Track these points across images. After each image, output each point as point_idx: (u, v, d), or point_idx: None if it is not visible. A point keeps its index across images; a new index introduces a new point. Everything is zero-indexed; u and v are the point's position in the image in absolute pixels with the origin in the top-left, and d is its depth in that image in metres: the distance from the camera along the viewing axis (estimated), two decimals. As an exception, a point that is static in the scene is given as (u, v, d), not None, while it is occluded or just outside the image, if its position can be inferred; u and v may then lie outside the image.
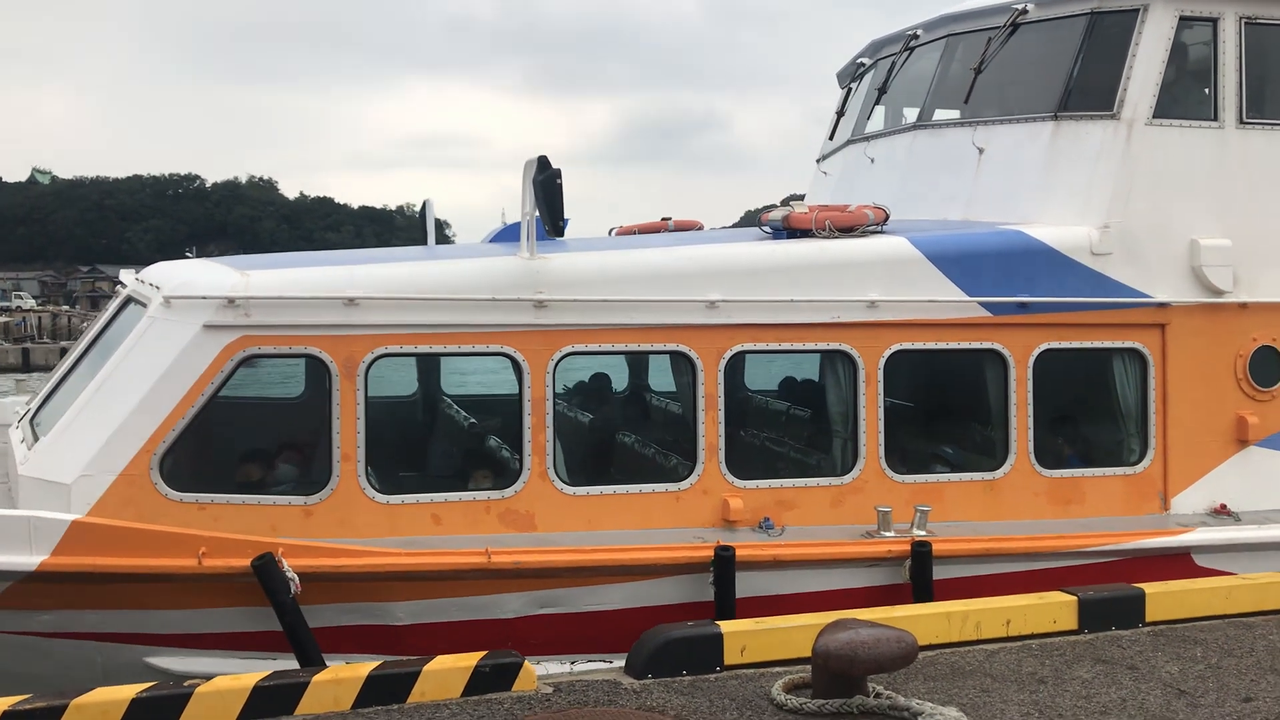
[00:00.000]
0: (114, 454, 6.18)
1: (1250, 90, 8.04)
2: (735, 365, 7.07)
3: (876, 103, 10.14)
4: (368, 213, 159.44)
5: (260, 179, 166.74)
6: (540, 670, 5.72)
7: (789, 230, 7.59)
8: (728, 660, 5.68)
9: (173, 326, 6.35)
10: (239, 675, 5.22)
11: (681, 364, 7.02)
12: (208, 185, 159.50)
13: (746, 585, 6.50)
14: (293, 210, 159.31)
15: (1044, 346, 7.55)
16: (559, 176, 6.48)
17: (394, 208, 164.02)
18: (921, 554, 6.68)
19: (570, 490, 6.71)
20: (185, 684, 5.08)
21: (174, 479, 6.24)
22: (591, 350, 6.84)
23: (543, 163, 6.55)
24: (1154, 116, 7.85)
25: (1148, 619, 6.46)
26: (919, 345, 7.32)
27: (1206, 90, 8.10)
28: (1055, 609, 6.30)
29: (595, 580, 6.42)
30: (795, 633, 5.73)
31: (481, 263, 6.79)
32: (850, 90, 11.05)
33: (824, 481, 7.15)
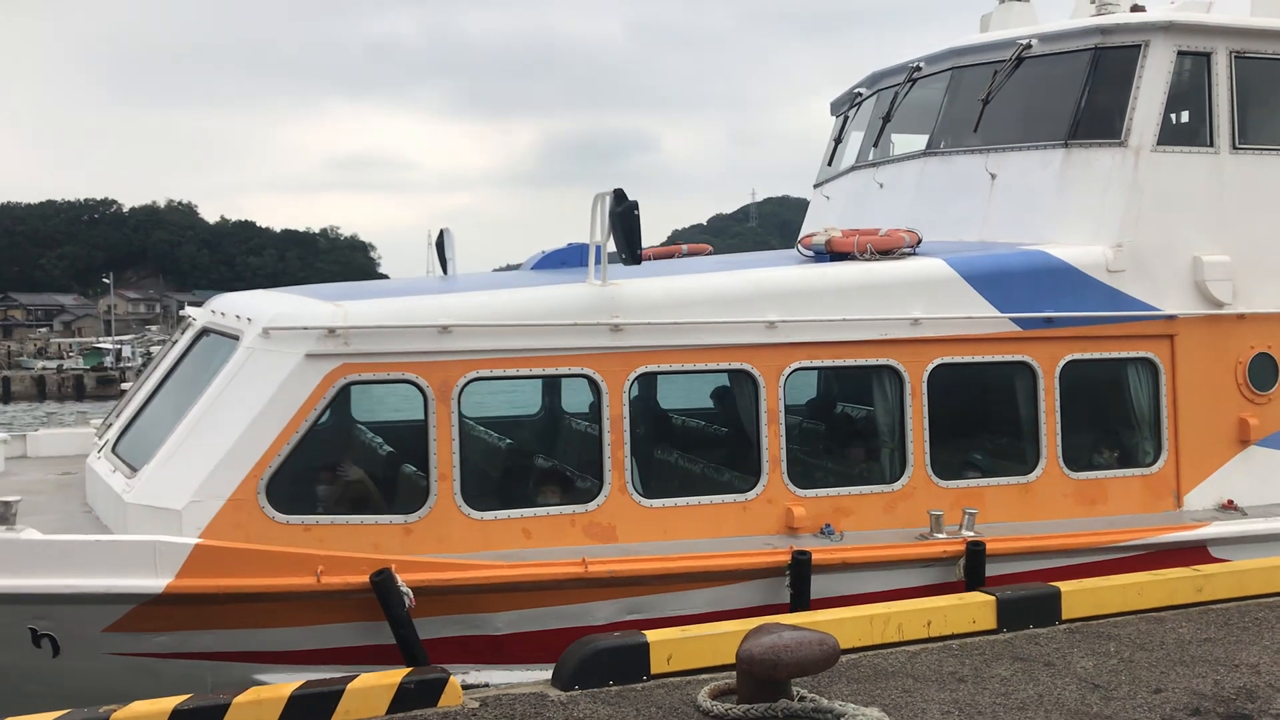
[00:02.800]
0: (222, 480, 6.43)
1: (1240, 118, 8.75)
2: (791, 382, 7.52)
3: (881, 131, 10.70)
4: (291, 236, 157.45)
5: (180, 203, 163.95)
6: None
7: (831, 253, 8.09)
8: (654, 669, 5.75)
9: (274, 356, 6.62)
10: (155, 700, 5.10)
11: (743, 381, 7.45)
12: (125, 210, 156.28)
13: (816, 587, 6.93)
14: (213, 234, 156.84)
15: (1068, 358, 8.13)
16: (636, 208, 6.89)
17: (318, 230, 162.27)
18: (976, 553, 7.18)
19: (647, 503, 7.10)
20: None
21: (280, 502, 6.50)
22: (663, 370, 7.24)
23: (619, 195, 6.95)
24: (1158, 144, 8.50)
25: (1064, 616, 6.63)
26: (958, 359, 7.84)
27: (1202, 119, 8.78)
28: (974, 609, 6.44)
29: (680, 587, 6.81)
30: (720, 639, 5.80)
31: (561, 290, 7.16)
32: (847, 119, 11.62)
33: (877, 489, 7.63)
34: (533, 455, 8.09)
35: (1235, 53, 8.76)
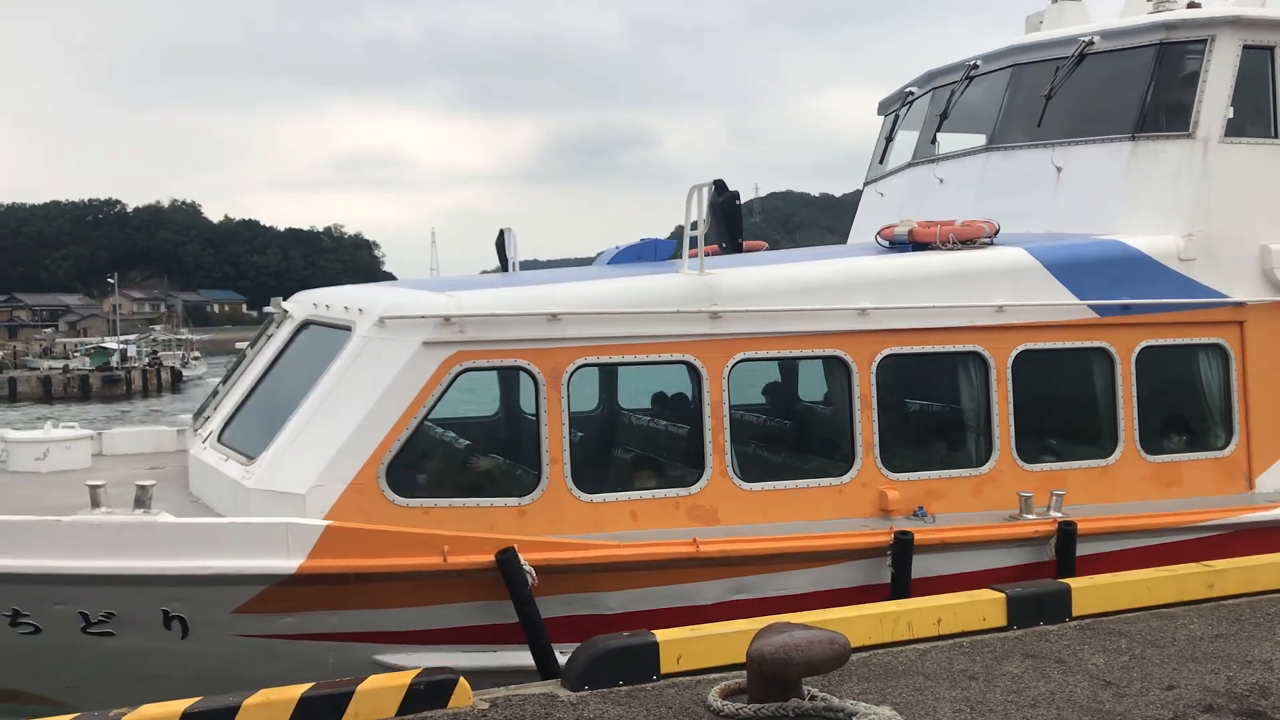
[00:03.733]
0: (344, 464, 6.64)
1: None
2: (884, 367, 7.71)
3: (938, 129, 10.88)
4: (295, 235, 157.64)
5: (184, 203, 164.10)
6: None
7: (913, 244, 8.29)
8: (664, 669, 5.71)
9: (391, 345, 6.82)
10: (164, 703, 5.08)
11: (836, 368, 7.65)
12: (129, 210, 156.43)
13: (914, 568, 7.14)
14: (217, 234, 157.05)
15: (1144, 344, 8.33)
16: (737, 198, 7.10)
17: (321, 229, 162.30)
18: (1067, 532, 7.39)
19: (747, 486, 7.31)
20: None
21: (399, 486, 6.70)
22: (760, 356, 7.44)
23: (720, 186, 7.16)
24: (1225, 135, 8.70)
25: (1074, 613, 6.62)
26: (1041, 345, 8.05)
27: (1264, 111, 8.98)
28: (985, 606, 6.44)
29: (786, 567, 7.01)
30: (730, 639, 5.78)
31: (661, 279, 7.36)
32: (898, 117, 11.81)
33: (965, 472, 7.83)
34: (639, 441, 8.30)
35: (1298, 46, 8.96)
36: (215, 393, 9.70)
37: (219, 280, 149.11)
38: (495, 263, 9.75)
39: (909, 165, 11.23)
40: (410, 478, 6.76)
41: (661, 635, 5.77)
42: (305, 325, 7.87)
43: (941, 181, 10.56)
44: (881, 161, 12.04)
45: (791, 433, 7.99)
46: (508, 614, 6.50)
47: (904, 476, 7.64)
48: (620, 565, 6.64)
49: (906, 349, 7.75)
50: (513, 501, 6.88)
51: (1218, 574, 7.09)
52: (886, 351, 7.67)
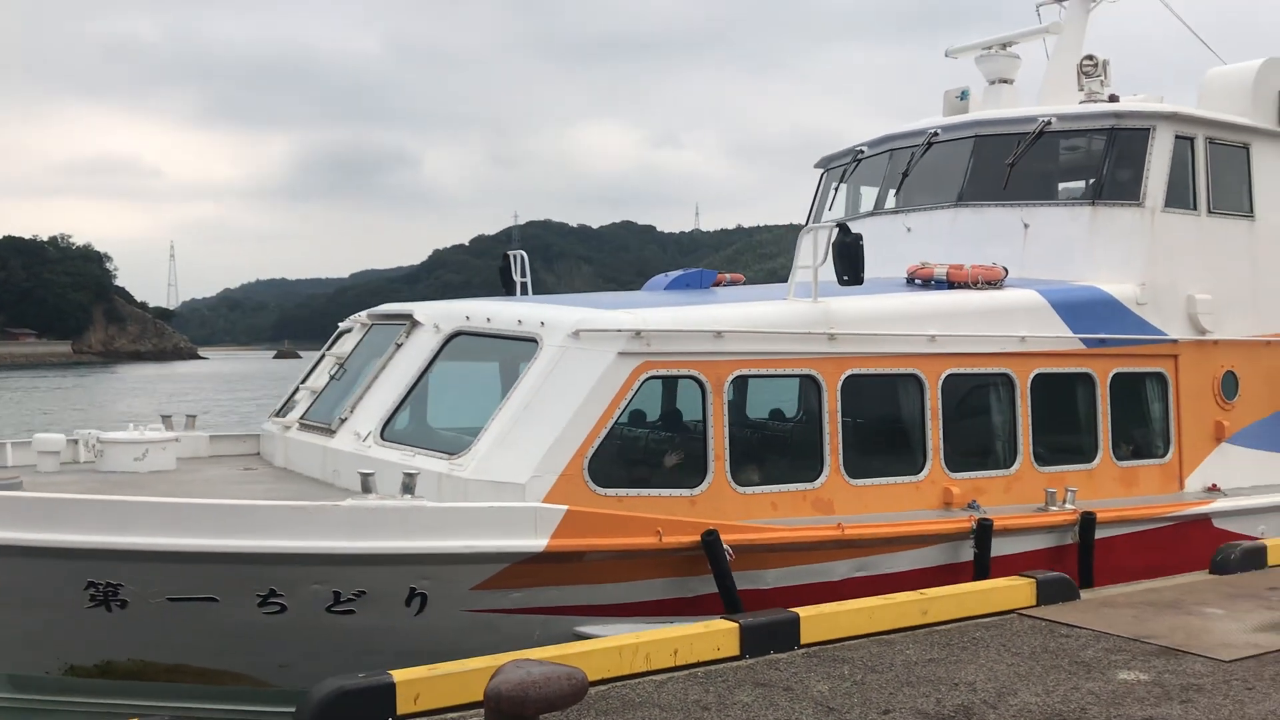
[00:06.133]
0: (556, 458, 7.56)
1: (1212, 189, 11.31)
2: (949, 385, 9.28)
3: (899, 186, 12.68)
4: (14, 244, 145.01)
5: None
6: None
7: (949, 283, 9.97)
8: (401, 710, 5.64)
9: (589, 354, 7.79)
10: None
11: (911, 384, 9.18)
12: None
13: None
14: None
15: (1115, 370, 10.34)
16: (860, 240, 8.54)
17: (46, 239, 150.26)
18: (1089, 521, 9.21)
19: (854, 482, 8.70)
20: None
21: (598, 477, 7.68)
22: (864, 373, 8.86)
23: (844, 229, 8.57)
24: (1166, 207, 10.92)
25: (803, 641, 6.86)
26: (1050, 370, 9.88)
27: (1187, 188, 11.27)
28: (719, 636, 6.61)
29: (894, 549, 8.44)
30: (469, 676, 5.79)
31: (792, 305, 8.66)
32: (846, 171, 13.58)
33: (1000, 473, 9.52)
34: (776, 443, 9.51)
35: (1209, 138, 11.33)
36: (295, 393, 10.25)
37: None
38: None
39: (871, 214, 12.98)
40: (607, 470, 7.74)
41: (399, 675, 5.67)
42: (456, 335, 8.65)
43: (910, 230, 12.35)
44: (830, 209, 13.77)
45: (881, 438, 9.41)
46: (695, 588, 7.61)
47: (960, 475, 9.24)
48: (793, 545, 7.89)
49: (961, 370, 9.38)
50: (685, 492, 7.98)
51: (931, 601, 7.48)
52: (948, 372, 9.27)
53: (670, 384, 8.17)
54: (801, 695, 5.99)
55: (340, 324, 11.04)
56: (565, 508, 7.18)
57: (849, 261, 8.59)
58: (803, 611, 6.95)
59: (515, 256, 12.05)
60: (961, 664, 6.57)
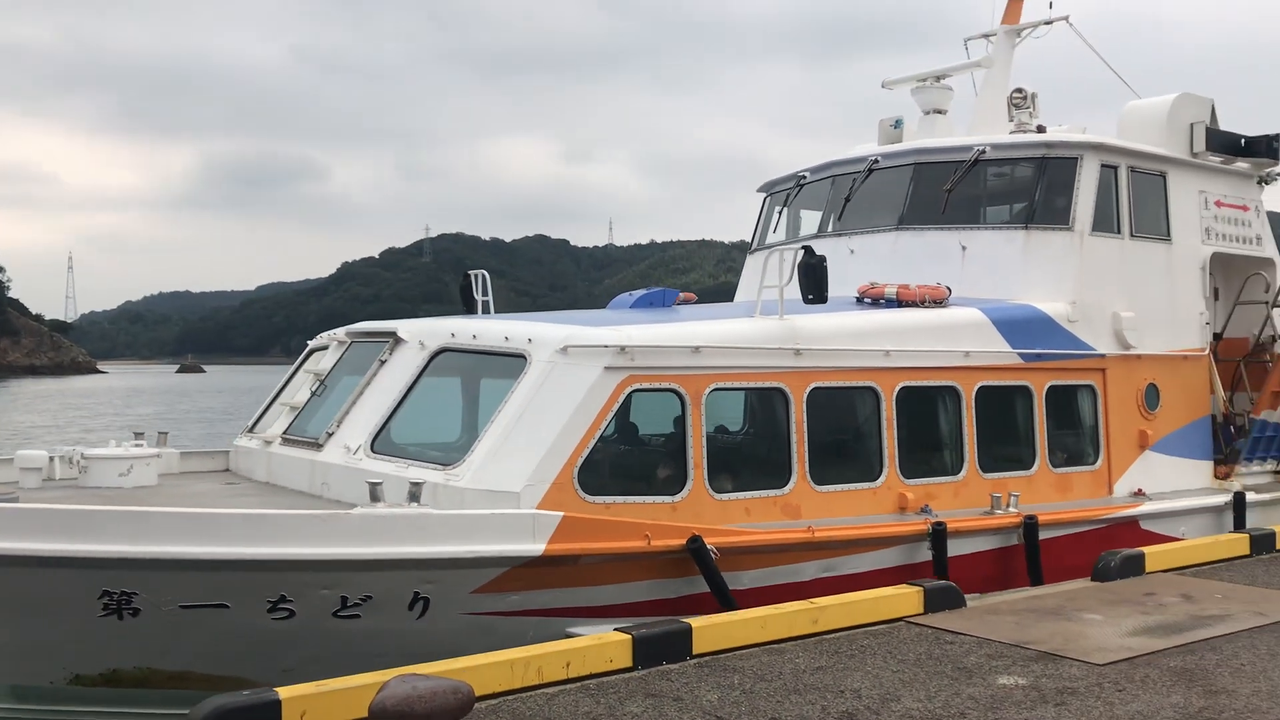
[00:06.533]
0: (548, 467, 7.97)
1: (1134, 214, 12.18)
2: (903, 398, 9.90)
3: (842, 211, 13.31)
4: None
5: None
6: None
7: (899, 302, 10.61)
8: None
9: (577, 369, 8.23)
10: None
11: (868, 396, 9.77)
12: None
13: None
14: None
15: (1050, 383, 11.09)
16: (824, 262, 9.13)
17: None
18: (1031, 525, 9.90)
19: (819, 488, 9.25)
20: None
21: (587, 485, 8.11)
22: (826, 386, 9.43)
23: (809, 251, 9.15)
24: (1093, 231, 11.73)
25: (695, 651, 6.88)
26: (992, 382, 10.58)
27: (1111, 213, 12.12)
28: (611, 648, 6.60)
29: (858, 550, 9.01)
30: (356, 693, 5.69)
31: (761, 323, 9.20)
32: (789, 196, 14.22)
33: (949, 479, 10.17)
34: (745, 452, 10.00)
35: (1130, 167, 12.21)
36: (266, 410, 10.51)
37: None
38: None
39: (816, 237, 13.61)
40: (595, 479, 8.17)
41: (284, 692, 5.57)
42: (441, 351, 9.02)
43: (853, 252, 13.01)
44: (774, 230, 14.38)
45: (842, 447, 9.98)
46: (678, 589, 8.09)
47: (914, 482, 9.87)
48: (769, 548, 8.41)
49: (913, 382, 10.01)
50: (667, 499, 8.45)
51: (822, 610, 7.58)
52: (901, 385, 9.89)
53: (652, 396, 8.62)
54: (691, 705, 6.04)
55: (311, 342, 11.31)
56: (561, 514, 7.60)
57: (814, 281, 9.17)
58: (695, 622, 7.02)
59: (476, 276, 12.41)
60: (849, 671, 6.67)
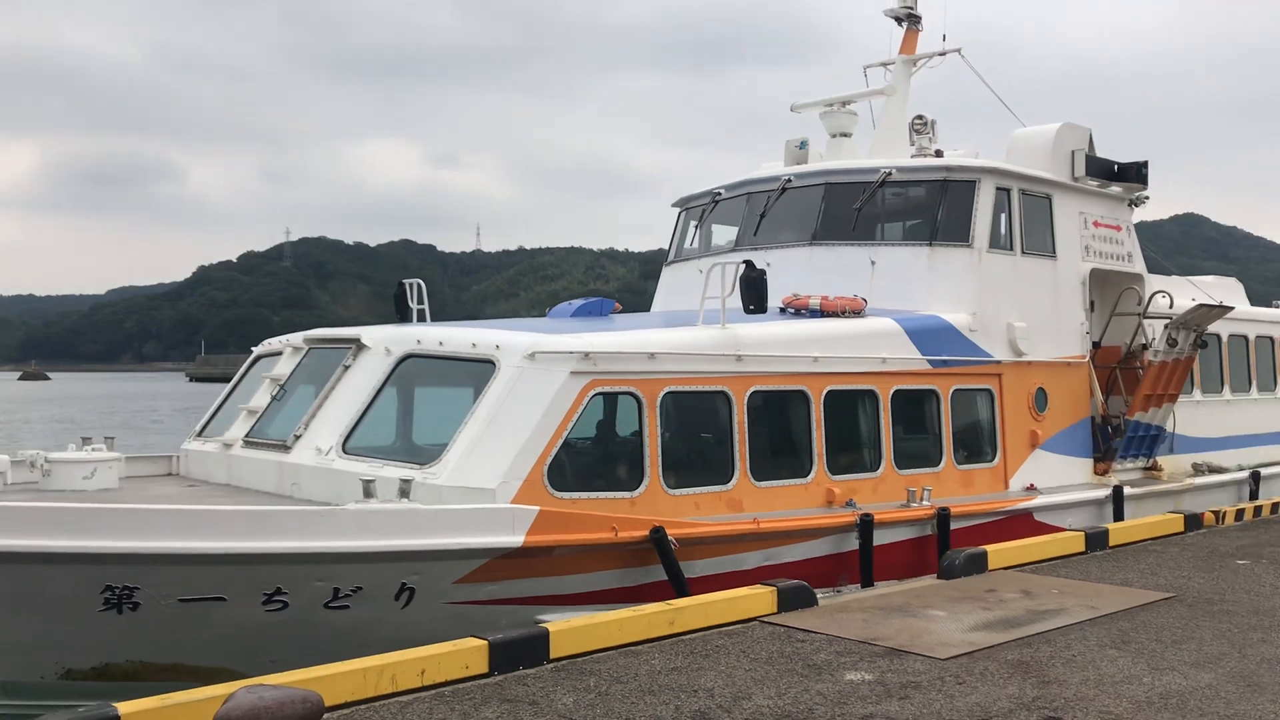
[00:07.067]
0: (521, 465, 8.53)
1: (1023, 233, 13.34)
2: (830, 400, 10.74)
3: (758, 226, 14.15)
4: None
5: None
6: None
7: (822, 312, 11.47)
8: None
9: (544, 374, 8.80)
10: None
11: (799, 399, 10.58)
12: None
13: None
14: None
15: (955, 387, 12.10)
16: (763, 275, 9.90)
17: None
18: (944, 516, 10.86)
19: (759, 484, 10.01)
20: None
21: (554, 482, 8.68)
22: (764, 389, 10.19)
23: (750, 265, 9.92)
24: (989, 248, 12.83)
25: (552, 655, 6.93)
26: (905, 386, 11.53)
27: (1004, 232, 13.26)
28: (467, 655, 6.58)
29: (796, 540, 9.80)
30: (199, 706, 5.57)
31: (707, 331, 9.91)
32: (705, 211, 15.03)
33: (868, 475, 11.06)
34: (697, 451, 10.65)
35: (1021, 190, 13.36)
36: (214, 415, 10.78)
37: None
38: None
39: (733, 250, 14.41)
40: (562, 476, 8.75)
41: (124, 708, 5.45)
42: (407, 358, 9.47)
43: (770, 265, 13.83)
44: (692, 244, 15.16)
45: (777, 445, 10.75)
46: (639, 578, 8.73)
47: (839, 478, 10.72)
48: (720, 539, 9.11)
49: (838, 386, 10.87)
50: (626, 494, 9.09)
51: (678, 611, 7.72)
52: (828, 388, 10.74)
53: (613, 399, 9.25)
54: (546, 709, 6.06)
55: (257, 349, 11.59)
56: (538, 508, 8.17)
57: (755, 293, 9.93)
58: (552, 626, 7.09)
59: (411, 285, 12.78)
60: (703, 671, 6.77)
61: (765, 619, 8.06)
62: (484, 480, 8.42)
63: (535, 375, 8.83)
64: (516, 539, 8.04)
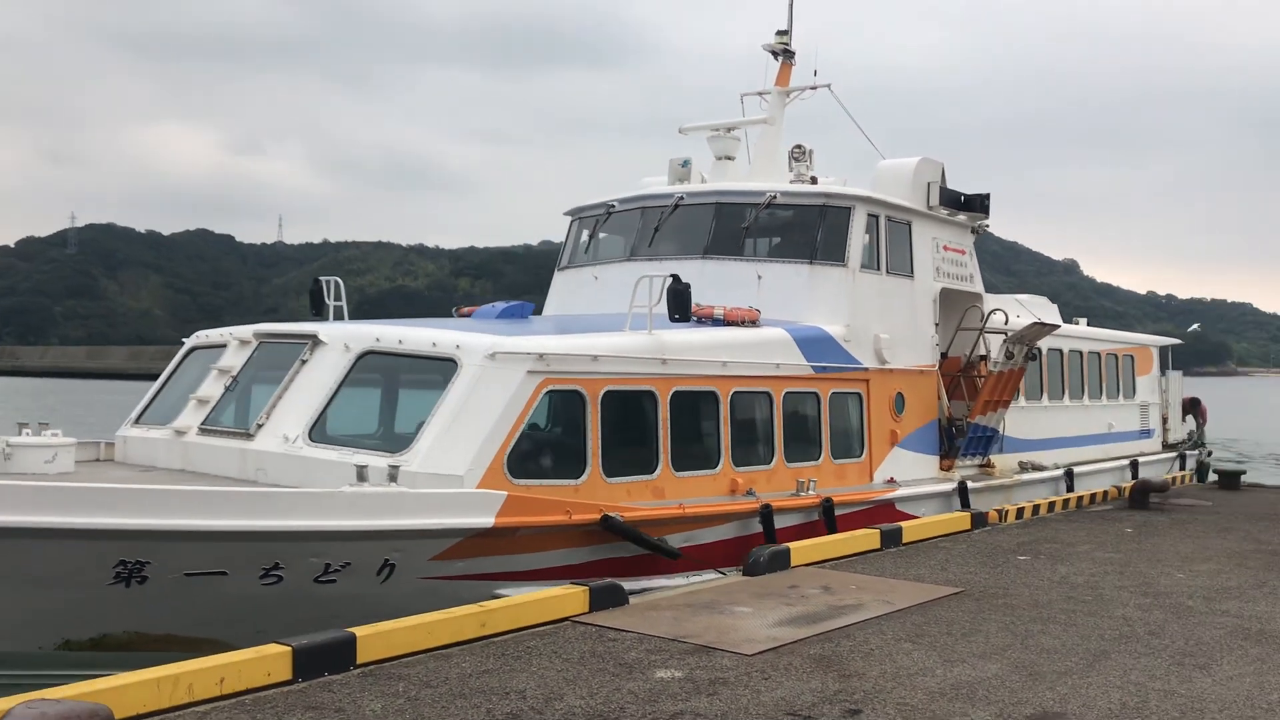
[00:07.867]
0: (485, 453, 9.41)
1: (887, 255, 14.99)
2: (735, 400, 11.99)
3: (653, 238, 15.31)
4: None
5: None
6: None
7: (726, 321, 12.72)
8: None
9: (504, 372, 9.69)
10: None
11: (711, 399, 11.78)
12: None
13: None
14: None
15: (833, 390, 13.58)
16: (688, 289, 11.07)
17: None
18: (829, 505, 12.29)
19: (678, 474, 11.16)
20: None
21: (513, 470, 9.59)
22: (684, 390, 11.34)
23: (676, 278, 11.07)
24: (861, 268, 14.39)
25: (359, 660, 6.81)
26: (794, 389, 12.91)
27: (873, 253, 14.86)
28: (269, 662, 6.44)
29: (710, 524, 10.99)
30: None
31: (639, 337, 10.98)
32: (598, 222, 16.12)
33: (763, 468, 12.36)
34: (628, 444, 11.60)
35: (887, 216, 15.01)
36: (150, 404, 11.20)
37: None
38: None
39: (629, 260, 15.50)
40: (518, 465, 9.67)
41: None
42: (366, 354, 10.18)
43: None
44: (586, 252, 16.21)
45: (693, 440, 11.88)
46: (585, 556, 9.75)
47: (741, 469, 11.98)
48: (654, 521, 10.21)
49: (741, 388, 12.15)
50: (571, 482, 10.08)
51: (489, 613, 7.70)
52: (733, 390, 12.00)
53: (560, 396, 10.21)
54: (354, 715, 5.95)
55: (189, 340, 11.99)
56: (505, 493, 9.08)
57: (680, 303, 11.09)
58: (359, 631, 6.98)
59: (328, 282, 13.34)
60: (515, 673, 6.76)
61: (577, 619, 8.14)
62: (453, 467, 9.26)
63: (495, 373, 9.72)
64: (488, 520, 8.92)
